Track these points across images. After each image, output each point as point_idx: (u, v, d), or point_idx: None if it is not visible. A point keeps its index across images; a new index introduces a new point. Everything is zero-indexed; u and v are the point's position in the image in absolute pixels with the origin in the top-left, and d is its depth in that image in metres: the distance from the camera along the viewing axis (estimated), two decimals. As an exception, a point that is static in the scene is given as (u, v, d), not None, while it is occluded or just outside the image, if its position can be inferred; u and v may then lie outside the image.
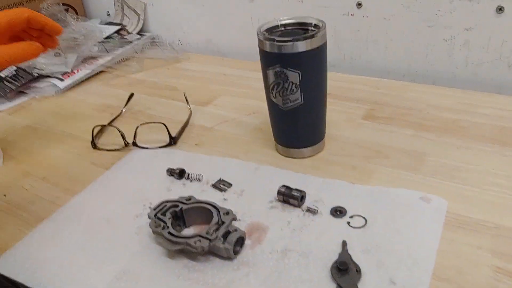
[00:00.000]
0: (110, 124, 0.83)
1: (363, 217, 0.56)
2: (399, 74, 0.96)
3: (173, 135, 0.76)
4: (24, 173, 0.74)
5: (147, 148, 0.76)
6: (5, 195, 0.69)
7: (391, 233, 0.54)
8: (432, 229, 0.54)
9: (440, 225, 0.54)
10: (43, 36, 0.66)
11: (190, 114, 0.84)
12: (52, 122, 0.89)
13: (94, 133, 0.77)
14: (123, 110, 0.89)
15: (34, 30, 0.65)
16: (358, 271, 0.49)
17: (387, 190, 0.60)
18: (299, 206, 0.59)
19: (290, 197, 0.59)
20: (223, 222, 0.54)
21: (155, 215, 0.56)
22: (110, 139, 0.79)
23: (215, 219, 0.55)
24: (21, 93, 1.01)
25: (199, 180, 0.67)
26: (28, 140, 0.84)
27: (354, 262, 0.50)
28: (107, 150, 0.77)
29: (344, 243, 0.53)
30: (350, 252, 0.51)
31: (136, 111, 0.89)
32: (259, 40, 0.62)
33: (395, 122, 0.77)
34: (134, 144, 0.76)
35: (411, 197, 0.59)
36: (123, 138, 0.75)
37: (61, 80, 1.02)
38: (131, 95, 0.92)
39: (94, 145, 0.77)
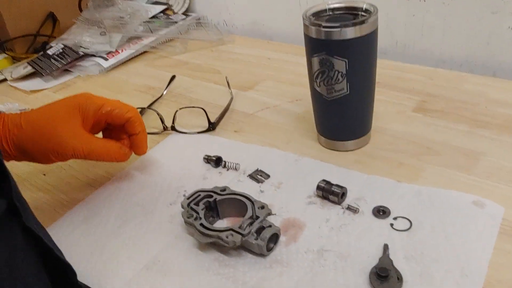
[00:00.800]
0: (149, 106, 0.81)
1: (408, 220, 0.52)
2: (456, 64, 0.89)
3: (212, 120, 0.74)
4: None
5: (185, 133, 0.74)
6: (44, 174, 0.69)
7: (439, 240, 0.49)
8: (485, 237, 0.49)
9: (494, 234, 0.49)
10: (125, 140, 0.63)
11: (231, 99, 0.82)
12: (95, 102, 0.89)
13: (134, 115, 0.76)
14: (164, 92, 0.87)
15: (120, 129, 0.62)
16: (400, 279, 0.46)
17: (437, 191, 0.56)
18: (339, 203, 0.56)
19: (330, 193, 0.56)
20: (257, 217, 0.52)
21: (188, 204, 0.55)
22: (149, 122, 0.78)
23: (249, 213, 0.52)
24: (66, 71, 1.02)
25: (236, 169, 0.64)
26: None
27: (395, 269, 0.46)
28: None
29: (386, 247, 0.49)
30: (391, 257, 0.48)
31: (177, 94, 0.88)
32: (304, 25, 0.58)
33: (449, 116, 0.71)
34: (173, 128, 0.74)
35: (463, 200, 0.54)
36: (162, 121, 0.74)
37: (106, 59, 1.02)
38: (173, 77, 0.91)
39: (133, 128, 0.77)
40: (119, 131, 0.62)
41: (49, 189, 0.66)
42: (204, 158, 0.67)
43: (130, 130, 0.61)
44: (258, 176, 0.63)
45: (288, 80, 0.88)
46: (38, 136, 0.55)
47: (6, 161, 0.55)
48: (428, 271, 0.46)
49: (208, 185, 0.61)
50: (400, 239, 0.50)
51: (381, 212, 0.54)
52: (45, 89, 0.97)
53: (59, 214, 0.61)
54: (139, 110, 0.78)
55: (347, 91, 0.60)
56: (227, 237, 0.49)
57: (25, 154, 0.56)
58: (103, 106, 0.58)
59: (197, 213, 0.53)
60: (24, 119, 0.56)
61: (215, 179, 0.63)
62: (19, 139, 0.55)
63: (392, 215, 0.53)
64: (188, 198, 0.55)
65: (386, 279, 0.45)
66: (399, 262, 0.47)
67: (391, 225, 0.52)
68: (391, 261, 0.47)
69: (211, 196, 0.56)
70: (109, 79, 0.99)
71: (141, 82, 0.95)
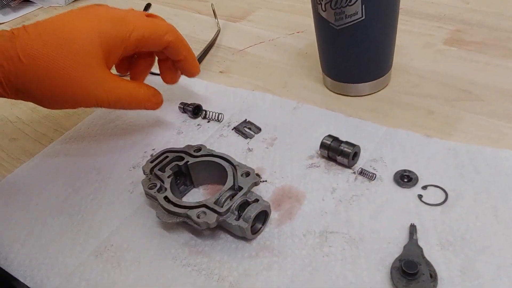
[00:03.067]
0: (117, 42, 0.67)
1: (443, 189, 0.39)
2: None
3: (192, 58, 0.59)
4: (12, 101, 0.60)
5: (157, 74, 0.59)
6: (-15, 128, 0.56)
7: (486, 218, 0.36)
8: (549, 215, 0.36)
9: (562, 210, 0.36)
10: (166, 68, 0.50)
11: (218, 31, 0.67)
12: (56, 38, 0.74)
13: (96, 53, 0.62)
14: (137, 25, 0.72)
15: (158, 54, 0.50)
16: (433, 276, 0.33)
17: (480, 149, 0.42)
18: (350, 166, 0.42)
19: (338, 152, 0.42)
20: (240, 188, 0.39)
21: (152, 170, 0.42)
22: (117, 61, 0.64)
23: (229, 182, 0.39)
24: (27, 1, 0.87)
25: (219, 120, 0.51)
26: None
27: (427, 262, 0.34)
28: (111, 75, 0.62)
29: (413, 229, 0.36)
30: (421, 244, 0.35)
31: (153, 27, 0.73)
32: None
33: (491, 50, 0.56)
34: (143, 69, 0.60)
35: (517, 162, 0.40)
36: (131, 60, 0.60)
37: (72, -13, 0.86)
38: (148, 6, 0.75)
39: (96, 69, 0.62)
40: (148, 56, 0.50)
41: (-12, 146, 0.53)
42: (179, 107, 0.53)
43: (174, 55, 0.48)
44: (246, 129, 0.49)
45: (288, 7, 0.73)
46: (47, 78, 0.40)
47: None
48: (473, 264, 0.33)
49: (184, 141, 0.49)
50: (432, 218, 0.37)
51: (405, 178, 0.40)
52: (2, 23, 0.82)
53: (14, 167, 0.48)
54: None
55: (362, 16, 0.45)
56: (198, 216, 0.37)
57: (25, 94, 0.42)
58: (133, 31, 0.43)
59: (162, 181, 0.41)
60: (22, 49, 0.39)
61: (192, 133, 0.50)
62: (16, 77, 0.39)
63: (421, 183, 0.40)
64: (151, 162, 0.42)
65: (415, 277, 0.33)
66: (431, 252, 0.34)
67: (420, 197, 0.39)
68: (421, 250, 0.34)
69: (182, 159, 0.42)
70: (76, 11, 0.83)
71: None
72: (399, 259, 0.34)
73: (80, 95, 0.41)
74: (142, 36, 0.44)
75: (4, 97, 0.41)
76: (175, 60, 0.48)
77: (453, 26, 0.61)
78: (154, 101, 0.47)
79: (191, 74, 0.50)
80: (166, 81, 0.51)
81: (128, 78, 0.51)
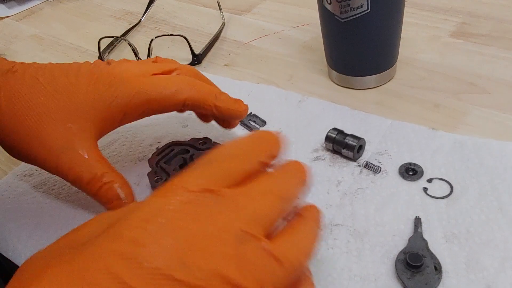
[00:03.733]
0: (122, 36, 0.67)
1: (448, 182, 0.39)
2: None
3: (197, 51, 0.59)
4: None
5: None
6: None
7: (491, 211, 0.36)
8: (555, 208, 0.36)
9: None
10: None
11: (223, 24, 0.67)
12: (62, 32, 0.75)
13: (101, 47, 0.62)
14: (142, 18, 0.72)
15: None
16: (438, 269, 0.33)
17: (486, 142, 0.42)
18: (355, 159, 0.43)
19: (343, 145, 0.42)
20: (246, 179, 0.39)
21: (157, 162, 0.42)
22: (123, 55, 0.64)
23: (235, 174, 0.39)
24: (32, -5, 0.87)
25: (225, 113, 0.51)
26: (32, 52, 0.70)
27: (432, 255, 0.34)
28: (117, 68, 0.62)
29: (418, 222, 0.36)
30: (426, 236, 0.35)
31: (158, 20, 0.73)
32: None
33: (497, 42, 0.55)
34: (149, 62, 0.60)
35: (523, 155, 0.40)
36: (135, 54, 0.60)
37: (77, -20, 0.86)
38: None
39: (102, 62, 0.62)
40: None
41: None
42: (185, 100, 0.53)
43: (199, 109, 0.39)
44: (250, 122, 0.49)
45: (293, 0, 0.72)
46: (24, 137, 0.34)
47: None
48: (477, 257, 0.33)
49: (189, 134, 0.49)
50: (437, 211, 0.37)
51: (410, 171, 0.40)
52: (7, 16, 0.82)
53: (4, 173, 0.49)
54: (110, 40, 0.65)
55: (367, 8, 0.44)
56: (204, 208, 0.37)
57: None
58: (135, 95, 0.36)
59: (168, 174, 0.41)
60: (5, 96, 0.35)
61: (198, 126, 0.50)
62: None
63: (426, 176, 0.40)
64: (157, 155, 0.43)
65: (419, 269, 0.33)
66: (436, 244, 0.35)
67: (425, 190, 0.39)
68: (426, 242, 0.35)
69: (187, 152, 0.43)
70: (81, 4, 0.83)
71: (117, 6, 0.80)
72: (404, 252, 0.34)
73: (43, 154, 0.35)
74: (145, 99, 0.36)
75: None
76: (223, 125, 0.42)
77: (459, 19, 0.60)
78: (111, 196, 0.35)
79: (238, 117, 0.41)
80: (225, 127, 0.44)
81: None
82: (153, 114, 0.39)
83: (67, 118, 0.34)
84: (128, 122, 0.38)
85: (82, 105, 0.35)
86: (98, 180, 0.34)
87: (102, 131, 0.37)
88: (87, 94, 0.35)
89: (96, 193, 0.35)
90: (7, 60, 0.38)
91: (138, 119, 0.39)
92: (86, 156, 0.35)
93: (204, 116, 0.43)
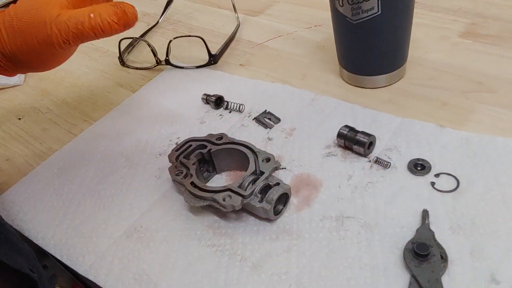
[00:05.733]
0: (141, 37, 0.69)
1: (454, 177, 0.41)
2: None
3: (213, 52, 0.62)
4: (43, 92, 0.64)
5: (181, 67, 0.62)
6: (19, 119, 0.59)
7: (495, 204, 0.38)
8: (557, 202, 0.38)
9: None
10: None
11: (238, 26, 0.69)
12: (82, 32, 0.77)
13: (122, 47, 0.64)
14: (160, 19, 0.75)
15: None
16: (444, 258, 0.35)
17: (492, 139, 0.44)
18: (365, 155, 0.44)
19: (354, 142, 0.44)
20: (261, 172, 0.41)
21: (177, 157, 0.44)
22: (142, 55, 0.67)
23: (251, 167, 0.42)
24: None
25: (240, 111, 0.53)
26: (54, 52, 0.73)
27: (438, 244, 0.36)
28: (136, 68, 0.64)
29: (425, 214, 0.38)
30: (433, 228, 0.37)
31: (175, 21, 0.75)
32: None
33: (505, 42, 0.57)
34: (167, 62, 0.62)
35: (527, 152, 0.42)
36: (154, 54, 0.62)
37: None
38: (170, 1, 0.77)
39: (122, 62, 0.65)
40: None
41: (23, 136, 0.57)
42: (202, 98, 0.56)
43: None
44: (266, 119, 0.51)
45: (305, 1, 0.74)
46: (23, 37, 0.40)
47: (7, 75, 0.43)
48: (483, 247, 0.35)
49: (207, 131, 0.51)
50: (444, 204, 0.39)
51: (419, 167, 0.42)
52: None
53: (31, 167, 0.51)
54: (129, 41, 0.67)
55: (378, 11, 0.46)
56: (224, 199, 0.39)
57: (18, 64, 0.42)
58: None
59: (188, 168, 0.43)
60: (2, 22, 0.40)
61: (214, 123, 0.52)
62: (4, 49, 0.41)
63: (434, 171, 0.42)
64: (176, 150, 0.45)
65: (426, 258, 0.35)
66: (442, 235, 0.36)
67: (432, 184, 0.41)
68: (433, 233, 0.36)
69: (205, 147, 0.45)
70: (101, 6, 0.86)
71: (136, 8, 0.82)
72: (411, 242, 0.36)
73: (43, 38, 0.39)
74: None
75: (7, 73, 0.43)
76: None
77: (468, 19, 0.62)
78: (119, 12, 0.38)
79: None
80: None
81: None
82: None
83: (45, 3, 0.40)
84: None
85: None
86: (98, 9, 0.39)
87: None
88: None
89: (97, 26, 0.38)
90: None
91: None
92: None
93: None
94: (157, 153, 0.50)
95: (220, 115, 0.53)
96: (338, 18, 0.50)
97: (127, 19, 0.39)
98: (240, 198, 0.39)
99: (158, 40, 0.69)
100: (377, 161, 0.44)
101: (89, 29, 0.38)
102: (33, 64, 0.43)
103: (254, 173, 0.41)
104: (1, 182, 0.50)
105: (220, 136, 0.46)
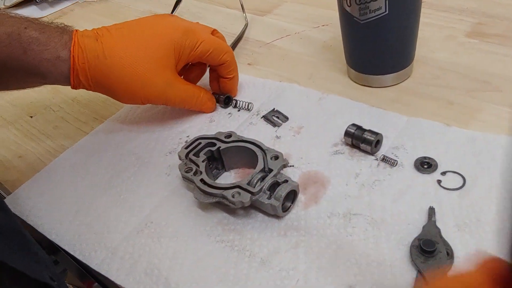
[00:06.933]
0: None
1: (461, 175, 0.41)
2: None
3: (222, 51, 0.62)
4: (55, 91, 0.65)
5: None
6: (31, 117, 0.61)
7: (501, 202, 0.38)
8: (562, 200, 0.38)
9: None
10: (214, 78, 0.56)
11: (246, 25, 0.70)
12: (92, 32, 0.78)
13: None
14: (169, 19, 0.75)
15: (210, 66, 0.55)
16: (449, 254, 0.36)
17: (497, 138, 0.44)
18: (372, 153, 0.45)
19: (361, 140, 0.45)
20: (270, 170, 0.42)
21: (187, 155, 0.45)
22: (151, 54, 0.68)
23: (260, 165, 0.42)
24: (63, -3, 0.91)
25: (249, 109, 0.54)
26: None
27: (444, 241, 0.36)
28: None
29: (432, 211, 0.39)
30: (439, 225, 0.38)
31: (183, 21, 0.76)
32: None
33: (511, 42, 0.57)
34: (176, 61, 0.63)
35: (533, 150, 0.42)
36: (163, 53, 0.63)
37: (106, -18, 0.89)
38: (179, 1, 0.78)
39: (131, 61, 0.66)
40: (202, 65, 0.55)
41: (35, 134, 0.58)
42: (211, 97, 0.56)
43: (224, 73, 0.53)
44: (274, 118, 0.52)
45: (313, 1, 0.74)
46: (126, 76, 0.46)
47: (75, 88, 0.47)
48: (488, 245, 0.36)
49: (215, 129, 0.52)
50: (450, 201, 0.39)
51: (425, 165, 0.43)
52: (40, 18, 0.86)
53: (43, 164, 0.52)
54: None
55: (386, 11, 0.47)
56: (233, 196, 0.40)
57: (105, 88, 0.48)
58: (201, 44, 0.49)
59: (197, 165, 0.44)
60: (108, 49, 0.45)
61: (223, 122, 0.53)
62: (100, 73, 0.46)
63: (440, 169, 0.42)
64: (186, 148, 0.46)
65: (432, 254, 0.35)
66: (448, 232, 0.37)
67: (439, 182, 0.41)
68: (439, 230, 0.37)
69: (214, 145, 0.46)
70: (109, 6, 0.87)
71: (145, 7, 0.84)
72: (418, 238, 0.37)
73: (153, 94, 0.48)
74: (207, 50, 0.50)
75: (86, 89, 0.47)
76: (222, 76, 0.54)
77: (475, 19, 0.62)
78: (210, 104, 0.54)
79: (230, 92, 0.55)
80: (213, 89, 0.56)
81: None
82: (201, 61, 0.52)
83: (160, 63, 0.47)
84: (187, 63, 0.52)
85: (169, 51, 0.47)
86: (200, 98, 0.52)
87: (177, 69, 0.50)
88: (169, 41, 0.47)
89: (194, 105, 0.52)
90: (88, 30, 0.47)
91: (192, 62, 0.53)
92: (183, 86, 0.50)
93: (223, 79, 0.54)
94: (167, 151, 0.51)
95: (229, 113, 0.54)
96: (346, 18, 0.51)
97: (212, 110, 0.54)
98: (249, 195, 0.40)
99: (167, 40, 0.70)
100: (384, 159, 0.44)
101: (197, 106, 0.52)
102: (118, 98, 0.49)
103: (262, 170, 0.42)
104: (14, 179, 0.52)
105: (229, 134, 0.46)
